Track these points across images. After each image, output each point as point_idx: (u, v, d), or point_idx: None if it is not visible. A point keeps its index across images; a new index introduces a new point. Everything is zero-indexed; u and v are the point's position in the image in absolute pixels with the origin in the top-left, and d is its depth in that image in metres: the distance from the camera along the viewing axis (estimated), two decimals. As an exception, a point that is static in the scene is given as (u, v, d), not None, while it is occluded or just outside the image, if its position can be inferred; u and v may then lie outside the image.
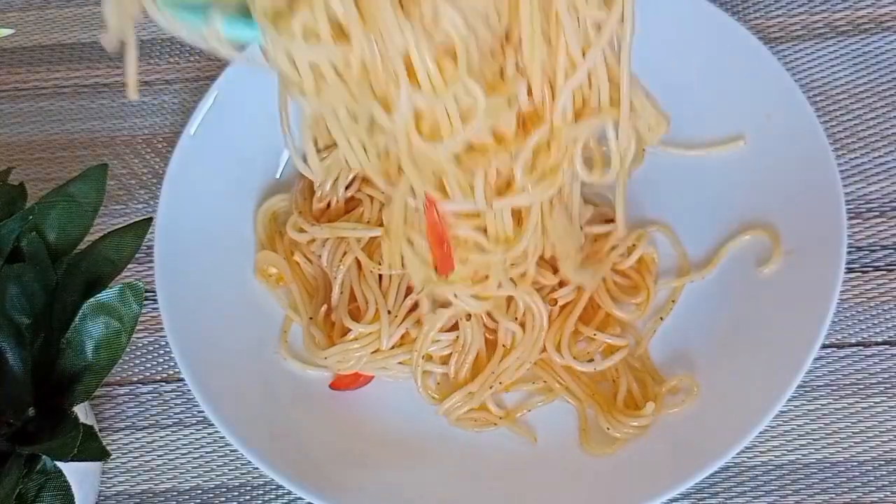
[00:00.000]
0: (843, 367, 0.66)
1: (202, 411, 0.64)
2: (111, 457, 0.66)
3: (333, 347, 0.65)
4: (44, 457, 0.54)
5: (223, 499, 0.65)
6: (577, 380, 0.65)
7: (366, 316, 0.66)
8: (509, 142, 0.54)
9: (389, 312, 0.66)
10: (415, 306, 0.66)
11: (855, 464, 0.63)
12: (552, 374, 0.65)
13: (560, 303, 0.66)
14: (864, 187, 0.71)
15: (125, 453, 0.67)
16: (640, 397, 0.64)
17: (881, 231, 0.70)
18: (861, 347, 0.66)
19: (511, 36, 0.52)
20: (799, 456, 0.64)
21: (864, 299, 0.68)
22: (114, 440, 0.68)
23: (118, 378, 0.70)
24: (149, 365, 0.70)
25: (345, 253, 0.68)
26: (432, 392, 0.66)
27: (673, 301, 0.68)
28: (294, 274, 0.70)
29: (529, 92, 0.53)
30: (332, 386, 0.67)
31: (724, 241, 0.68)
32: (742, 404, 0.61)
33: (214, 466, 0.66)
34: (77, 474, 0.57)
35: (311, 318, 0.68)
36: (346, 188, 0.70)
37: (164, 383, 0.69)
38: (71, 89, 0.81)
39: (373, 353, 0.66)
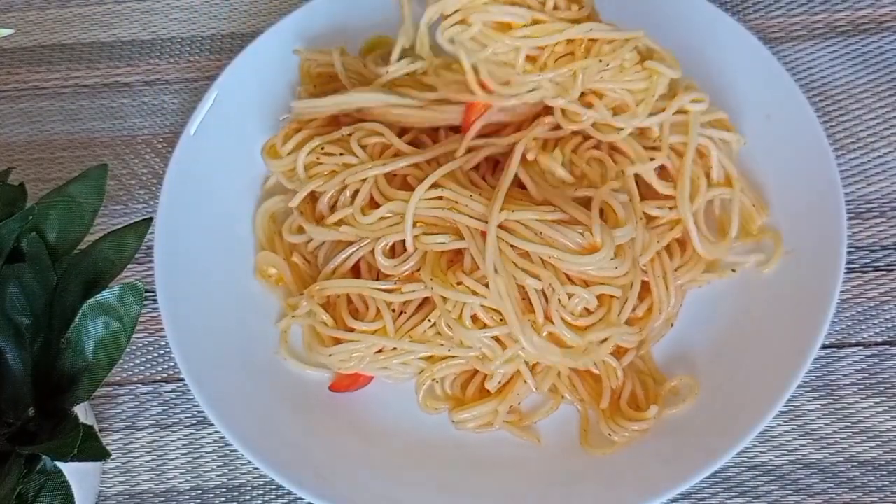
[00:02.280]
0: (843, 367, 0.66)
1: (202, 411, 0.64)
2: (111, 457, 0.66)
3: (338, 346, 0.65)
4: (44, 457, 0.54)
5: (223, 499, 0.65)
6: (585, 382, 0.65)
7: (366, 315, 0.66)
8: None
9: (394, 311, 0.65)
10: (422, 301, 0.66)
11: (855, 464, 0.63)
12: (561, 377, 0.65)
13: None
14: (864, 187, 0.71)
15: (125, 453, 0.67)
16: (644, 399, 0.64)
17: (881, 231, 0.70)
18: (861, 347, 0.66)
19: None
20: (799, 456, 0.64)
21: (864, 299, 0.68)
22: (114, 440, 0.68)
23: (118, 378, 0.70)
24: (149, 365, 0.70)
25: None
26: (436, 403, 0.66)
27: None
28: (293, 275, 0.69)
29: None
30: (332, 388, 0.66)
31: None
32: (742, 404, 0.61)
33: (214, 466, 0.66)
34: (77, 474, 0.57)
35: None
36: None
37: (164, 383, 0.69)
38: (71, 89, 0.81)
39: (376, 352, 0.65)
